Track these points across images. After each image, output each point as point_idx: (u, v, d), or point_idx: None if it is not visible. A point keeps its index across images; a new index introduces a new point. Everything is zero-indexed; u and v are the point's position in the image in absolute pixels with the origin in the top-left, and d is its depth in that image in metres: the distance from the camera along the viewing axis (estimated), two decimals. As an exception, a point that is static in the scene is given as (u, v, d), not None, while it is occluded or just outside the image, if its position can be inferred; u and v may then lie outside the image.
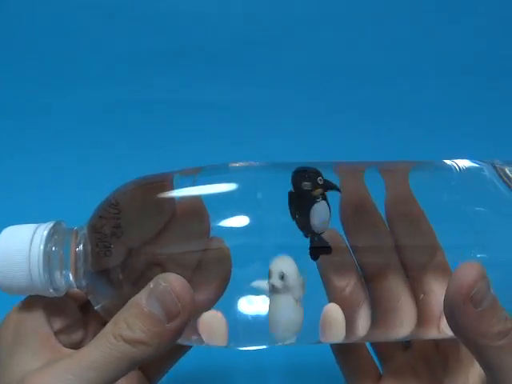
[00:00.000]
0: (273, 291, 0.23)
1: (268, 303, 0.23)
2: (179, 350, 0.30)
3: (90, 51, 0.53)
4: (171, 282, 0.21)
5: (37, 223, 0.24)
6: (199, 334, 0.24)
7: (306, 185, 0.25)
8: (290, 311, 0.24)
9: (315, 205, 0.24)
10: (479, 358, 0.22)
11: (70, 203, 0.44)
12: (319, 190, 0.24)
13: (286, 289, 0.23)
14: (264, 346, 0.25)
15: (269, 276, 0.23)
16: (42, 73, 0.53)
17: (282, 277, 0.23)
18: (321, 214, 0.24)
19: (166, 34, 0.54)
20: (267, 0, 0.55)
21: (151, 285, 0.22)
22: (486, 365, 0.22)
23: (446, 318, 0.22)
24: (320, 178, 0.25)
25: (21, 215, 0.26)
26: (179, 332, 0.22)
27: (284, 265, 0.23)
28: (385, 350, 0.30)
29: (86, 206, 0.25)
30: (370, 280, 0.24)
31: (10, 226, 0.24)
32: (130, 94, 0.54)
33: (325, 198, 0.24)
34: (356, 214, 0.25)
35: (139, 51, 0.54)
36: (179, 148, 0.52)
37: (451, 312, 0.21)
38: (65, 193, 0.48)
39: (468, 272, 0.21)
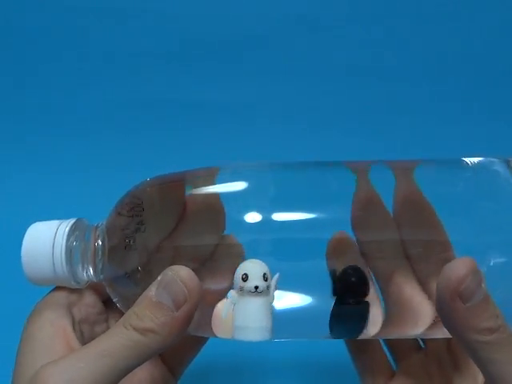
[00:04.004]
0: (252, 293, 0.23)
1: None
2: (200, 342, 0.31)
3: (89, 51, 0.54)
4: (178, 271, 0.22)
5: (60, 220, 0.26)
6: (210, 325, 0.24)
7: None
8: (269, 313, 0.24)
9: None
10: (470, 353, 0.22)
11: (88, 201, 0.46)
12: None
13: (267, 290, 0.23)
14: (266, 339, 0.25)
15: (244, 279, 0.23)
16: (45, 73, 0.55)
17: (266, 278, 0.23)
18: None
19: (165, 34, 0.54)
20: (267, 0, 0.55)
21: (159, 277, 0.22)
22: (478, 360, 0.22)
23: (438, 313, 0.22)
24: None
25: (46, 213, 0.28)
26: (188, 320, 0.22)
27: (260, 267, 0.23)
28: (399, 348, 0.30)
29: (101, 203, 0.26)
30: (380, 278, 0.24)
31: (35, 222, 0.26)
32: (132, 93, 0.55)
33: None
34: (364, 212, 0.25)
35: (139, 51, 0.55)
36: (181, 147, 0.53)
37: (441, 307, 0.21)
38: (83, 191, 0.50)
39: (458, 267, 0.21)
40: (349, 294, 0.24)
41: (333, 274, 0.24)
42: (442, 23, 0.54)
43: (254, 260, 0.23)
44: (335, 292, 0.24)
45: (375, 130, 0.54)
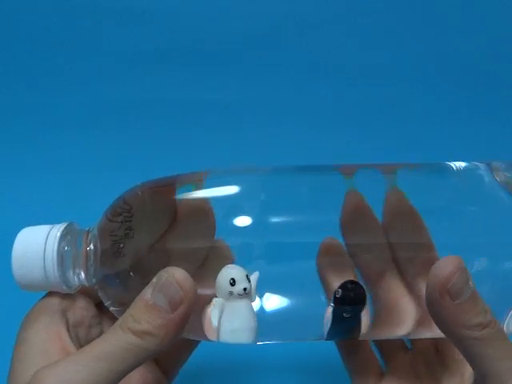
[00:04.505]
0: (236, 296, 0.24)
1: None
2: (192, 343, 0.31)
3: (89, 51, 0.54)
4: (173, 273, 0.22)
5: (51, 224, 0.26)
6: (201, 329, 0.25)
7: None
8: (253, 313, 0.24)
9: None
10: (461, 349, 0.22)
11: (80, 204, 0.46)
12: None
13: (250, 291, 0.24)
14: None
15: (232, 283, 0.24)
16: (44, 73, 0.55)
17: (249, 280, 0.24)
18: None
19: (165, 34, 0.54)
20: (267, 0, 0.55)
21: (154, 280, 0.23)
22: (469, 356, 0.22)
23: (428, 312, 0.22)
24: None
25: (36, 217, 0.28)
26: (184, 321, 0.23)
27: (241, 270, 0.24)
28: (387, 349, 0.31)
29: (94, 206, 0.26)
30: (368, 280, 0.25)
31: (26, 227, 0.26)
32: (130, 94, 0.55)
33: None
34: (353, 218, 0.25)
35: (139, 51, 0.55)
36: (181, 148, 0.53)
37: (431, 305, 0.22)
38: (74, 194, 0.50)
39: (445, 265, 0.21)
40: (348, 307, 0.25)
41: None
42: (437, 23, 0.54)
43: (231, 265, 0.24)
44: (335, 303, 0.25)
45: (368, 132, 0.54)
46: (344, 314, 0.25)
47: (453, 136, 0.54)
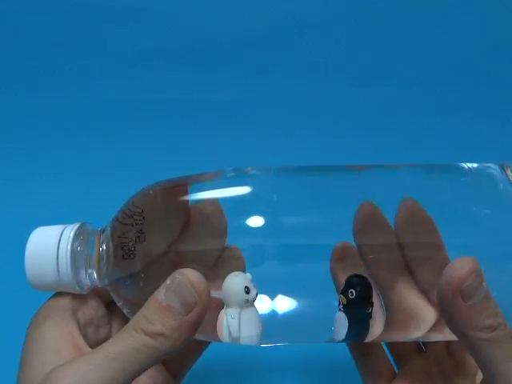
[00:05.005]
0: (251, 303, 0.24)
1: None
2: (201, 346, 0.31)
3: (89, 51, 0.54)
4: (187, 274, 0.22)
5: (64, 224, 0.26)
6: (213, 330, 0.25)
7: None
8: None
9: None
10: (471, 350, 0.22)
11: (92, 203, 0.46)
12: None
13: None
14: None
15: (247, 291, 0.23)
16: (44, 73, 0.54)
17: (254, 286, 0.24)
18: None
19: (165, 34, 0.54)
20: (267, 0, 0.55)
21: (168, 281, 0.22)
22: (477, 357, 0.22)
23: (439, 311, 0.23)
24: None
25: (47, 217, 0.28)
26: (197, 324, 0.22)
27: (248, 277, 0.24)
28: (401, 352, 0.31)
29: (94, 207, 0.26)
30: (382, 285, 0.25)
31: (38, 227, 0.26)
32: (131, 94, 0.55)
33: None
34: (366, 221, 0.25)
35: (139, 51, 0.55)
36: (181, 148, 0.53)
37: (443, 305, 0.22)
38: (85, 193, 0.50)
39: (460, 266, 0.21)
40: (356, 301, 0.25)
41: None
42: (437, 23, 0.55)
43: (236, 273, 0.24)
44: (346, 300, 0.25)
45: (368, 132, 0.54)
46: (356, 310, 0.25)
47: (453, 136, 0.54)
